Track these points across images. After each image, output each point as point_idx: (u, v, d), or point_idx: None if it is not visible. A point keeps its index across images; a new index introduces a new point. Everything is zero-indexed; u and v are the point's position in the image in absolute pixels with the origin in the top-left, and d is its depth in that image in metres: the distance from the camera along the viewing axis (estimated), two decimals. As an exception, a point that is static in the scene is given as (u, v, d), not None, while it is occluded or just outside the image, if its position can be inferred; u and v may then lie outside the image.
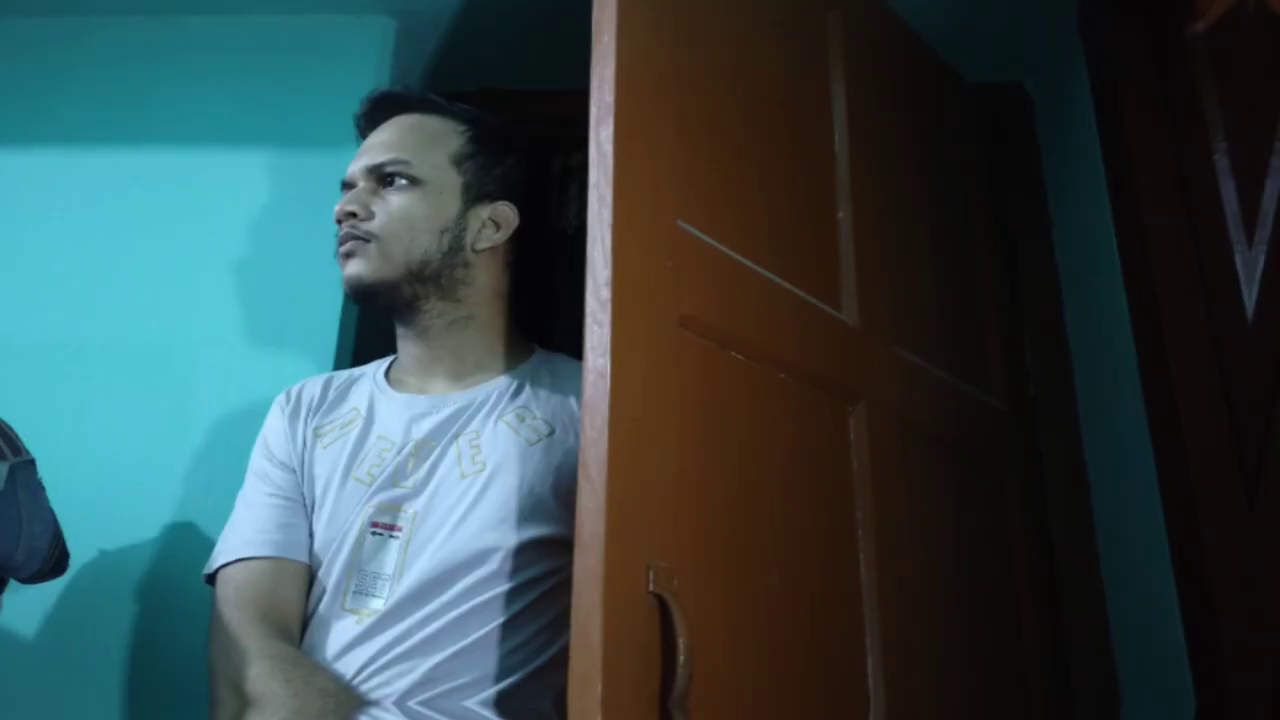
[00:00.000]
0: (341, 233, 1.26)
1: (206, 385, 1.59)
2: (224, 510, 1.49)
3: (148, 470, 1.53)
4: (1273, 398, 1.29)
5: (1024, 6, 1.75)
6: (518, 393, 1.26)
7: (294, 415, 1.32)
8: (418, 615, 1.11)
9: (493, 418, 1.23)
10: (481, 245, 1.28)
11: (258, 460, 1.31)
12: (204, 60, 1.80)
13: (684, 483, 1.00)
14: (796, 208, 1.32)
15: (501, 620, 1.12)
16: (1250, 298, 1.35)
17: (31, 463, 1.28)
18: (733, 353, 1.11)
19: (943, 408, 1.52)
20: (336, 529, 1.20)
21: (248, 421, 1.55)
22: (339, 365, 1.59)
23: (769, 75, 1.34)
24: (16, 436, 1.29)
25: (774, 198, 1.28)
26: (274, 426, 1.33)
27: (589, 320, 0.96)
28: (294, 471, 1.29)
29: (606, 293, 0.95)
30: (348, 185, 1.31)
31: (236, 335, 1.61)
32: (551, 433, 1.21)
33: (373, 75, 1.77)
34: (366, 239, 1.24)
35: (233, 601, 1.18)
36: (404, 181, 1.25)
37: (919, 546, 1.36)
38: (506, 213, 1.31)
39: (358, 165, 1.29)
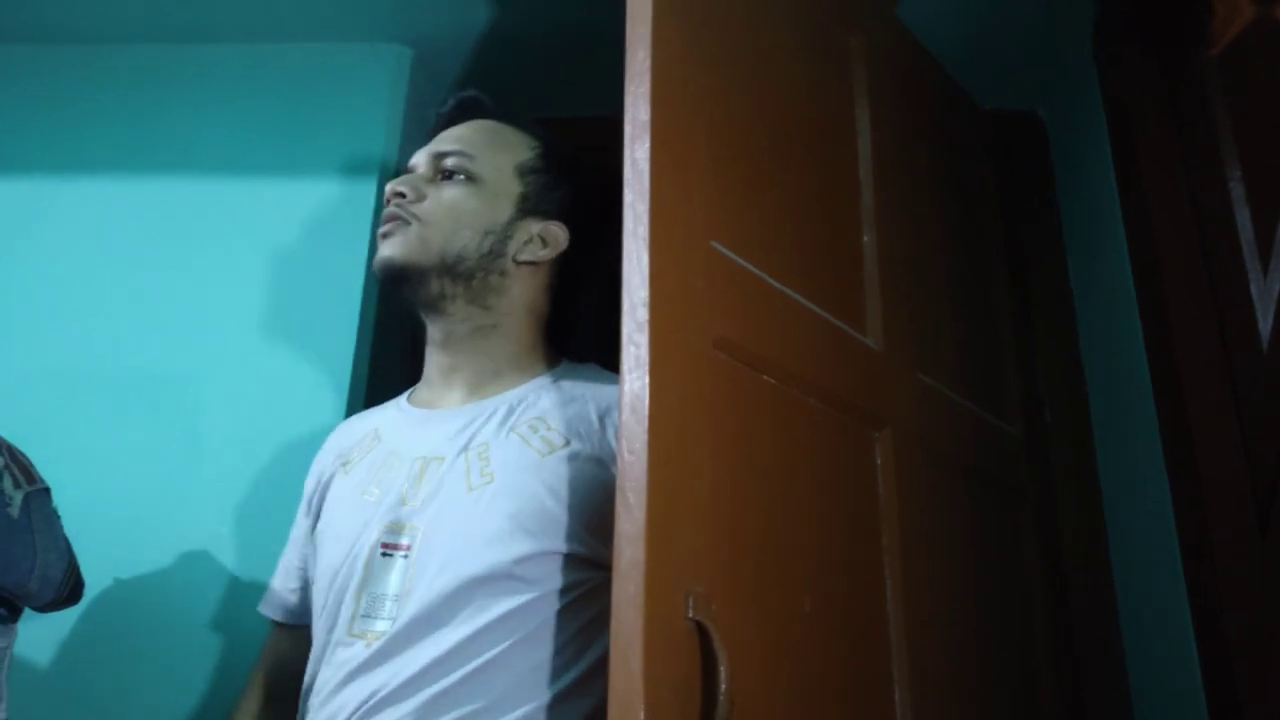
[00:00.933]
0: (388, 211, 1.22)
1: (220, 413, 1.58)
2: (237, 537, 1.49)
3: (162, 498, 1.52)
4: (1289, 425, 1.29)
5: (1038, 33, 1.77)
6: (535, 403, 1.20)
7: (324, 454, 1.31)
8: (428, 637, 1.05)
9: (505, 429, 1.17)
10: (524, 257, 1.24)
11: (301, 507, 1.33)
12: (218, 88, 1.81)
13: (719, 507, 0.99)
14: (822, 231, 1.32)
15: (515, 639, 1.05)
16: (1265, 326, 1.35)
17: (46, 491, 1.28)
18: (764, 375, 1.10)
19: (963, 434, 1.52)
20: (344, 551, 1.15)
21: (261, 449, 1.54)
22: (353, 393, 1.59)
23: (794, 98, 1.34)
24: (31, 465, 1.28)
25: (800, 221, 1.27)
26: (310, 471, 1.33)
27: (625, 341, 0.95)
28: (309, 516, 1.29)
29: (644, 313, 0.94)
30: (408, 171, 1.29)
31: (250, 363, 1.61)
32: (567, 444, 1.14)
33: (387, 103, 1.77)
34: (408, 220, 1.20)
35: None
36: (462, 177, 1.23)
37: (942, 573, 1.35)
38: (557, 233, 1.26)
39: (423, 152, 1.27)
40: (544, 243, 1.25)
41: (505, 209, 1.23)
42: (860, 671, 1.16)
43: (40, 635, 1.45)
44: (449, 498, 1.12)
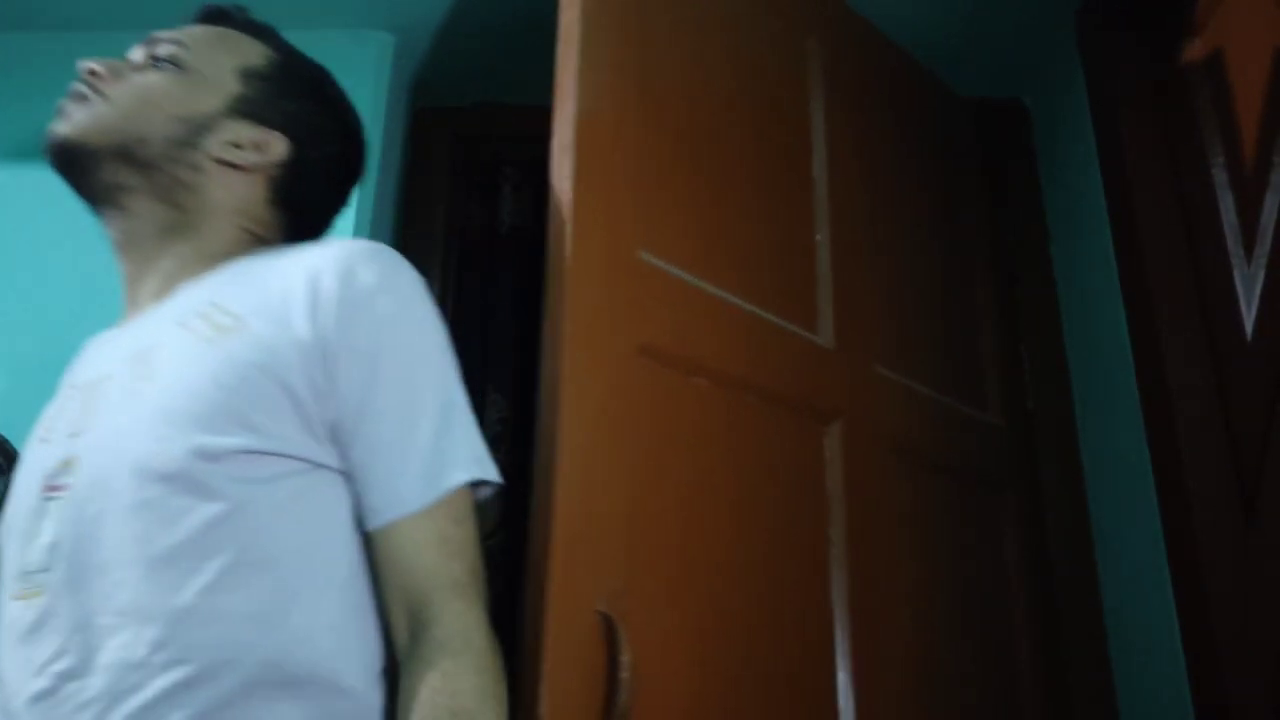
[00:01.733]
0: (72, 88, 1.04)
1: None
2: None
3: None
4: (1270, 416, 1.28)
5: (1022, 21, 1.74)
6: (217, 289, 0.98)
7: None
8: (95, 588, 0.83)
9: (175, 324, 0.95)
10: (223, 155, 1.03)
11: None
12: (208, 75, 1.83)
13: (640, 507, 1.03)
14: (772, 233, 1.34)
15: (213, 574, 0.82)
16: (1250, 316, 1.34)
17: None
18: (696, 378, 1.13)
19: (933, 425, 1.53)
20: (16, 505, 0.94)
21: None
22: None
23: (746, 105, 1.36)
24: (18, 453, 1.32)
25: (748, 225, 1.29)
26: None
27: (544, 351, 0.98)
28: None
29: (562, 325, 0.97)
30: None
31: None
32: (238, 325, 0.92)
33: (370, 90, 1.78)
34: (90, 99, 1.02)
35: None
36: (171, 66, 1.04)
37: (903, 563, 1.37)
38: (274, 143, 1.06)
39: (139, 45, 1.10)
40: (257, 150, 1.06)
41: (210, 101, 1.05)
42: (800, 666, 1.19)
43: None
44: (105, 413, 0.92)
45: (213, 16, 1.14)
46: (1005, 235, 1.85)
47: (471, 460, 0.91)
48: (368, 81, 1.79)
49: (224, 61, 1.08)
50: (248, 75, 1.08)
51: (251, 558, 0.84)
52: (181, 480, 0.84)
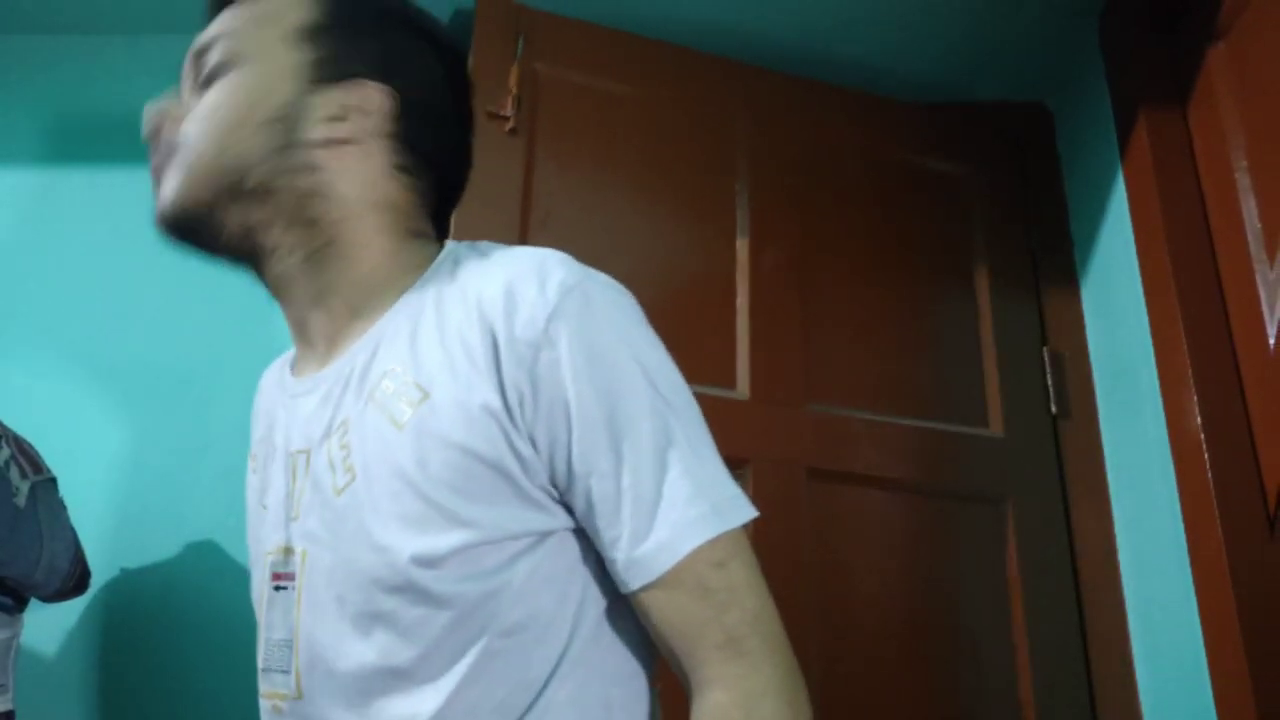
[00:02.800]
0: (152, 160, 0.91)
1: (227, 405, 1.59)
2: (244, 529, 1.50)
3: (169, 489, 1.54)
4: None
5: (1045, 24, 1.75)
6: (394, 339, 0.85)
7: (254, 415, 1.02)
8: (338, 700, 0.79)
9: (363, 394, 0.84)
10: (328, 134, 0.87)
11: None
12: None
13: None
14: (692, 302, 1.56)
15: (455, 684, 0.76)
16: (1272, 319, 1.35)
17: (53, 481, 1.29)
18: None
19: (891, 449, 1.64)
20: (255, 574, 0.90)
21: (268, 441, 1.56)
22: (358, 384, 1.59)
23: (668, 194, 1.52)
24: (38, 455, 1.30)
25: (669, 302, 1.43)
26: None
27: None
28: None
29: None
30: None
31: (256, 354, 1.61)
32: (426, 397, 0.80)
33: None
34: (169, 157, 0.87)
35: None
36: (225, 70, 0.88)
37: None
38: (374, 95, 0.88)
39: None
40: (363, 114, 0.89)
41: (284, 86, 0.87)
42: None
43: (46, 625, 1.47)
44: (318, 508, 0.83)
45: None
46: (1029, 237, 1.86)
47: (710, 511, 0.75)
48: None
49: (273, 34, 0.90)
50: (305, 35, 0.90)
51: (493, 649, 0.76)
52: (409, 592, 0.76)
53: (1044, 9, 1.72)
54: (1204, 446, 1.38)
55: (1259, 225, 1.37)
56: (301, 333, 0.92)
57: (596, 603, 0.80)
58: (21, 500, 1.22)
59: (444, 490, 0.76)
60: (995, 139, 1.92)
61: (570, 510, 0.79)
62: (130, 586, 1.49)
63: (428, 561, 0.75)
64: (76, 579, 1.28)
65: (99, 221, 1.73)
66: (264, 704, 0.83)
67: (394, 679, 0.76)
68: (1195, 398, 1.41)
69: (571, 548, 0.80)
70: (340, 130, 0.87)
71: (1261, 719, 1.26)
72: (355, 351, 0.86)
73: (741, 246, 1.65)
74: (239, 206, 0.86)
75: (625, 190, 1.63)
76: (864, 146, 1.86)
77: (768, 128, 1.76)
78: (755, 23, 1.77)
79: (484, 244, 0.91)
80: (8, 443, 1.26)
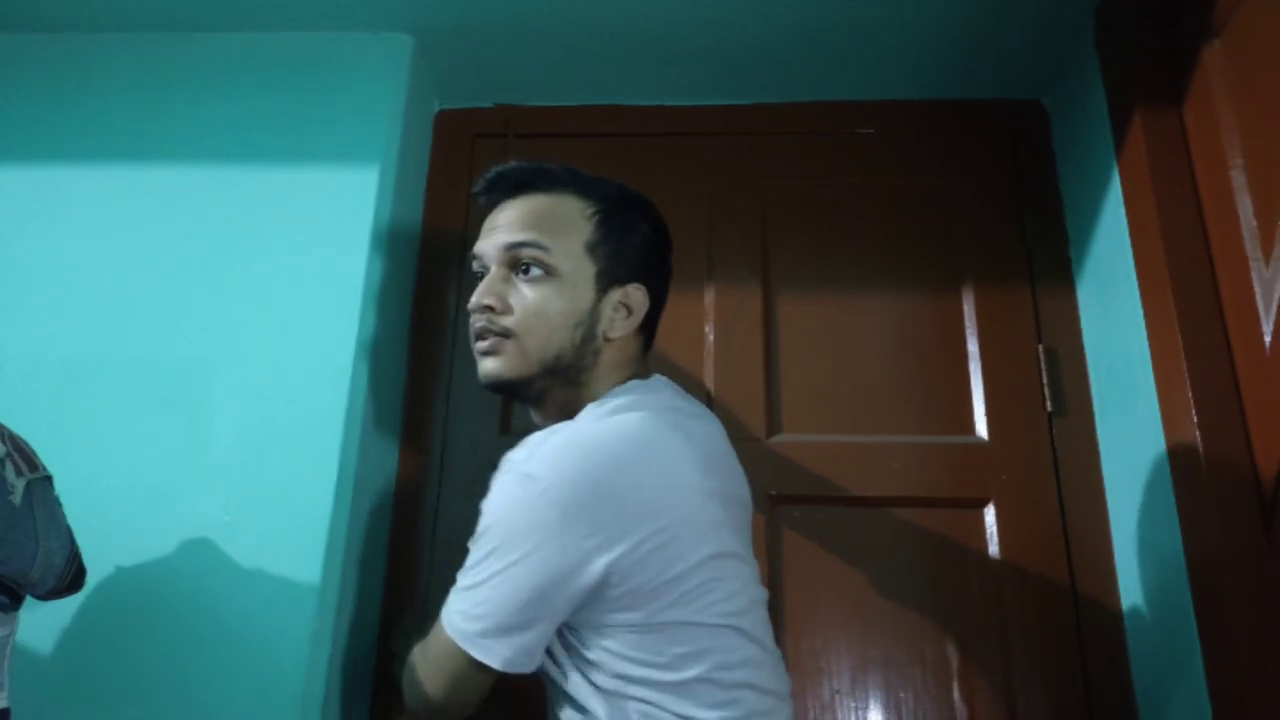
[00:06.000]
0: (478, 325, 1.24)
1: (223, 402, 1.59)
2: (240, 526, 1.50)
3: (164, 487, 1.53)
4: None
5: (1041, 22, 1.75)
6: None
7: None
8: None
9: None
10: (615, 334, 1.25)
11: None
12: (221, 77, 1.81)
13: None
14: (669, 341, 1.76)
15: None
16: (1268, 317, 1.34)
17: (48, 479, 1.28)
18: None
19: (858, 468, 1.73)
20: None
21: (264, 439, 1.56)
22: (355, 384, 1.59)
23: None
24: (34, 453, 1.29)
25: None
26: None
27: None
28: None
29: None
30: (477, 261, 1.29)
31: (254, 353, 1.61)
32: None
33: (389, 92, 1.77)
34: (505, 335, 1.22)
35: None
36: (539, 271, 1.23)
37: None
38: (638, 296, 1.27)
39: (490, 243, 1.26)
40: (628, 310, 1.27)
41: (586, 294, 1.24)
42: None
43: (42, 623, 1.46)
44: None
45: (515, 184, 1.29)
46: (1025, 236, 1.86)
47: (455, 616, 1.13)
48: (386, 84, 1.78)
49: (574, 247, 1.24)
50: (594, 249, 1.25)
51: None
52: None
53: (1040, 7, 1.72)
54: (1199, 443, 1.38)
55: (1255, 223, 1.37)
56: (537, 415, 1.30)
57: None
58: (17, 498, 1.22)
59: None
60: (991, 137, 1.93)
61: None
62: (125, 584, 1.48)
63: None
64: (72, 577, 1.28)
65: (96, 220, 1.72)
66: None
67: None
68: (1190, 394, 1.41)
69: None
70: (619, 329, 1.25)
71: (1257, 717, 1.26)
72: None
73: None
74: (545, 379, 1.23)
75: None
76: (859, 154, 1.93)
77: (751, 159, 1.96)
78: (757, 26, 1.78)
79: (609, 402, 1.19)
80: (3, 440, 1.26)
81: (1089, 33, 1.73)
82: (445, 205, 1.95)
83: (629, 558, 1.05)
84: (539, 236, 1.23)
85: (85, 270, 1.68)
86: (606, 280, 1.25)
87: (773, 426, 1.77)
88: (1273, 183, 1.32)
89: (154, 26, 1.83)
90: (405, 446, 1.81)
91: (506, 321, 1.22)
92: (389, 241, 1.73)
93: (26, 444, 1.30)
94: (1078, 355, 1.77)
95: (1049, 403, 1.74)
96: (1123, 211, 1.61)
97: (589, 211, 1.26)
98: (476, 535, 1.11)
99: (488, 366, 1.23)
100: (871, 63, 1.87)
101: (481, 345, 1.24)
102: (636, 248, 1.28)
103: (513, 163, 1.30)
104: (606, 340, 1.24)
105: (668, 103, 2.00)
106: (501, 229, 1.25)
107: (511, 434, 1.79)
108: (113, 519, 1.50)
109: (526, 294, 1.22)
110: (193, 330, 1.63)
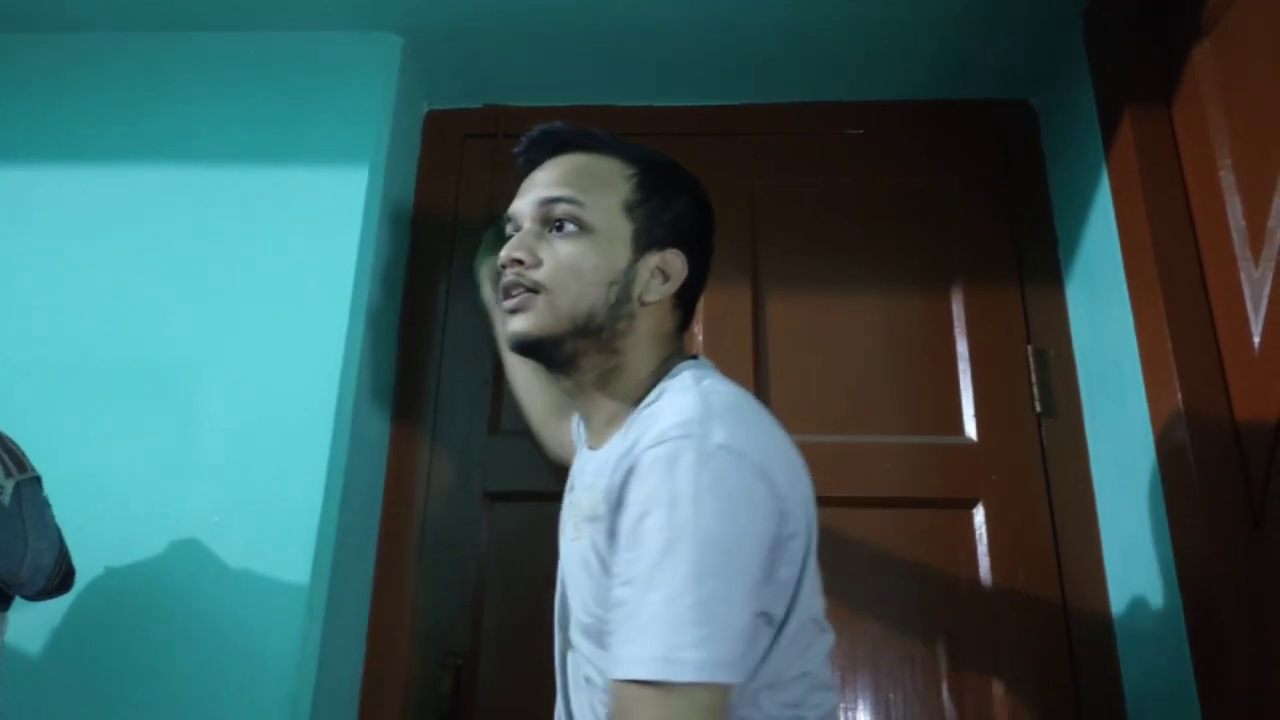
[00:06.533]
0: (507, 279, 1.17)
1: (212, 403, 1.59)
2: (229, 526, 1.50)
3: (153, 487, 1.53)
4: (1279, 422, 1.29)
5: (1030, 22, 1.76)
6: (600, 474, 1.13)
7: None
8: None
9: (578, 514, 1.16)
10: (650, 298, 1.17)
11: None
12: (211, 77, 1.81)
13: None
14: None
15: None
16: (1257, 317, 1.35)
17: (37, 480, 1.29)
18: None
19: (845, 467, 1.73)
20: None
21: (253, 439, 1.56)
22: (344, 384, 1.59)
23: None
24: (23, 453, 1.29)
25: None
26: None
27: None
28: None
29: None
30: (510, 223, 1.23)
31: (243, 353, 1.61)
32: (594, 516, 1.08)
33: (379, 92, 1.77)
34: (535, 290, 1.15)
35: None
36: (574, 227, 1.16)
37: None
38: (675, 262, 1.19)
39: (525, 201, 1.20)
40: (665, 276, 1.19)
41: (622, 253, 1.17)
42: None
43: (31, 624, 1.46)
44: (567, 581, 1.19)
45: (555, 144, 1.23)
46: (1015, 235, 1.87)
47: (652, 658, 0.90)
48: (376, 84, 1.78)
49: (611, 204, 1.18)
50: (631, 209, 1.18)
51: None
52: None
53: (1029, 8, 1.72)
54: (1188, 443, 1.39)
55: (1244, 223, 1.37)
56: (587, 422, 1.23)
57: None
58: (6, 499, 1.22)
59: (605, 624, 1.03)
60: (980, 137, 1.93)
61: None
62: (114, 585, 1.48)
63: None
64: (61, 578, 1.28)
65: (84, 220, 1.72)
66: None
67: None
68: (1179, 395, 1.41)
69: None
70: (655, 293, 1.18)
71: (1248, 717, 1.26)
72: (606, 450, 1.15)
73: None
74: (576, 340, 1.15)
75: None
76: (848, 155, 1.93)
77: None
78: (748, 25, 1.78)
79: (687, 375, 1.13)
80: (-7, 441, 1.26)
81: (1078, 33, 1.73)
82: (434, 206, 1.95)
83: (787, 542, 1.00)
84: (574, 192, 1.17)
85: (73, 270, 1.67)
86: (644, 241, 1.18)
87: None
88: (1262, 183, 1.32)
89: (142, 26, 1.83)
90: (394, 447, 1.81)
91: (536, 275, 1.15)
92: (378, 242, 1.73)
93: (15, 445, 1.30)
94: (1067, 356, 1.78)
95: (1038, 403, 1.75)
96: (1112, 212, 1.61)
97: (629, 172, 1.21)
98: (641, 536, 0.95)
99: (515, 325, 1.17)
100: (861, 63, 1.87)
101: (509, 303, 1.17)
102: (677, 214, 1.21)
103: (557, 122, 1.25)
104: (642, 304, 1.17)
105: (656, 103, 2.00)
106: (539, 186, 1.20)
107: (501, 434, 1.79)
108: (102, 520, 1.50)
109: (559, 248, 1.16)
110: (182, 330, 1.63)
